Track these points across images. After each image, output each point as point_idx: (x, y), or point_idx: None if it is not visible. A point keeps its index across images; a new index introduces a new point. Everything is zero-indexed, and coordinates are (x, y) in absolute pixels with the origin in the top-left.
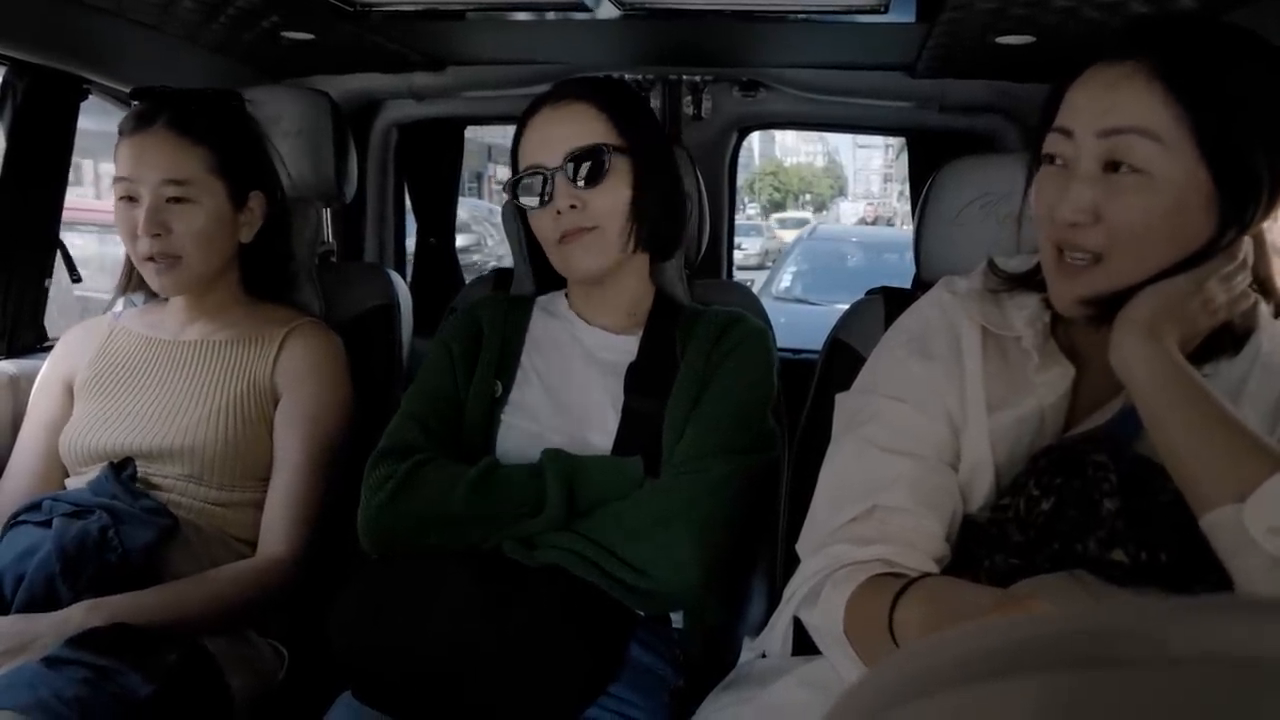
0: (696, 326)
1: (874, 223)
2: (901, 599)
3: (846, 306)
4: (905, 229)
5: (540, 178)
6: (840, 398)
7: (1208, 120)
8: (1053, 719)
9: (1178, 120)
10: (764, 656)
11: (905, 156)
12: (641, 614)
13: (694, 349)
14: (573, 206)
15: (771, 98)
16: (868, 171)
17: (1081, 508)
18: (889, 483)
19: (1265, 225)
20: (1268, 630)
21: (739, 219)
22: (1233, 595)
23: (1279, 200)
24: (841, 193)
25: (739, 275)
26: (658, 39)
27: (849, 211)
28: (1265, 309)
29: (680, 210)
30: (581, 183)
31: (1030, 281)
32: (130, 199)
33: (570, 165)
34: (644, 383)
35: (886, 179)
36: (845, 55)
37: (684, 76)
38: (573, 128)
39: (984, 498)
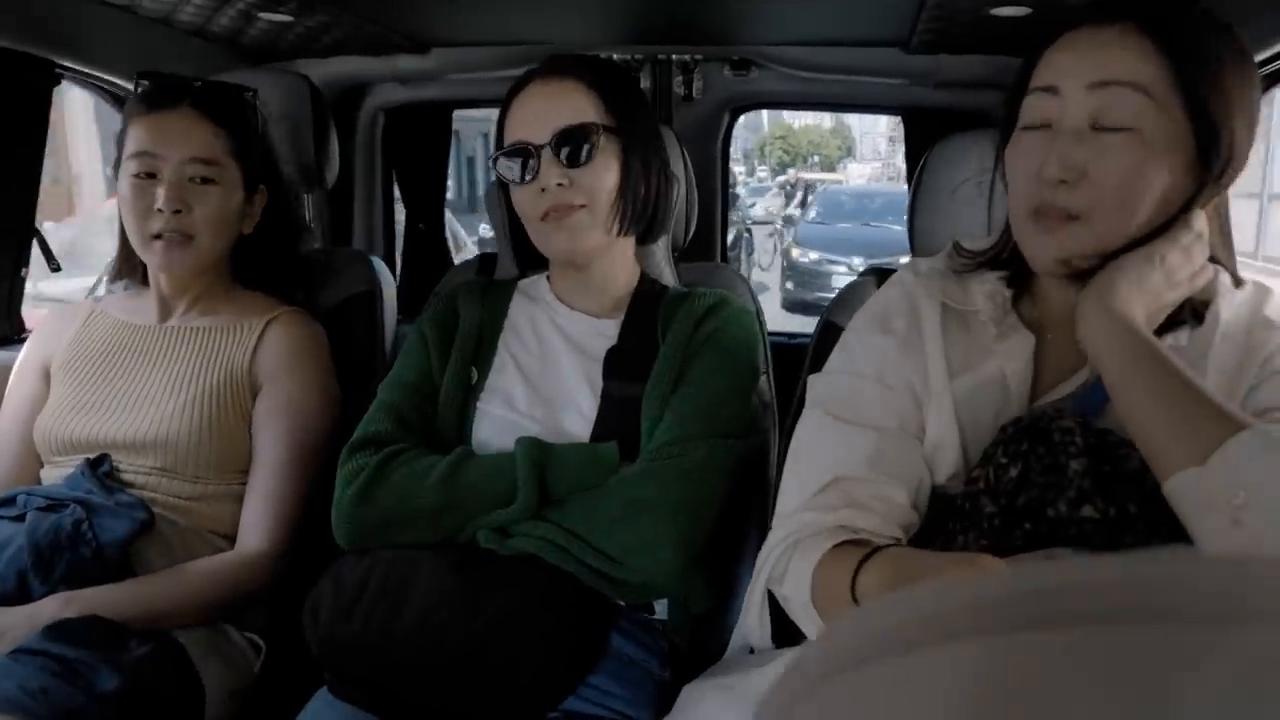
0: (679, 309)
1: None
2: (864, 566)
3: (845, 225)
4: (904, 187)
5: (526, 154)
6: (810, 379)
7: (1196, 77)
8: (992, 683)
9: (1168, 76)
10: (752, 652)
11: None
12: (622, 603)
13: (674, 332)
14: (559, 185)
15: (764, 76)
16: (874, 135)
17: (1048, 473)
18: (851, 453)
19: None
20: (1201, 581)
21: (752, 182)
22: (1165, 549)
23: (1240, 169)
24: (849, 153)
25: (760, 230)
26: (647, 16)
27: (856, 173)
28: (1225, 278)
29: (667, 193)
30: (569, 161)
31: (994, 260)
32: (149, 175)
33: (558, 143)
34: (623, 367)
35: (892, 140)
36: (838, 31)
37: (674, 56)
38: (561, 105)
39: (951, 467)
